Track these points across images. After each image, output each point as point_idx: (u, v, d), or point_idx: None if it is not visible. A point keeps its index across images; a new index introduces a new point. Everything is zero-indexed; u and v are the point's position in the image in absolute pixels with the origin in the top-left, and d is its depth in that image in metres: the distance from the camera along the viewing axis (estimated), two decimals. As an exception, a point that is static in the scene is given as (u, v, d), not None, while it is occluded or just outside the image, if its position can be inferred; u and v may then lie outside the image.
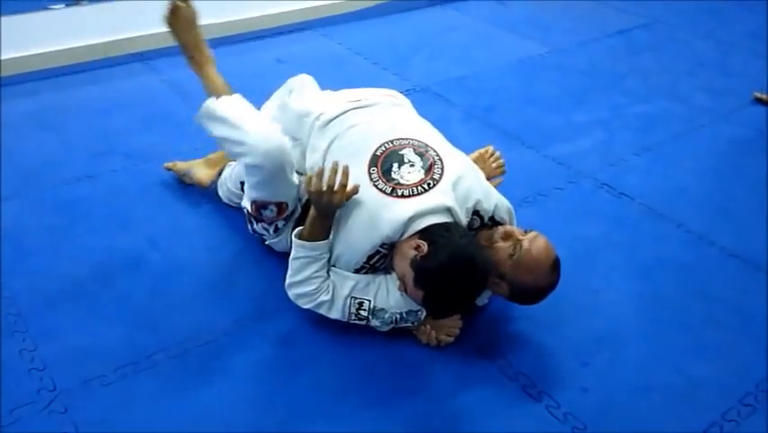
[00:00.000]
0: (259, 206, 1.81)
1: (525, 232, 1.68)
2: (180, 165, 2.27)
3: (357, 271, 1.68)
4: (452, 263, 1.53)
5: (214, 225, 2.12)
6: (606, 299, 1.94)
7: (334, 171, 1.60)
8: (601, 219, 2.28)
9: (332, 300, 1.68)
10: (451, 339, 1.73)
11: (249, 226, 1.94)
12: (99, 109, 2.75)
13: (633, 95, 3.13)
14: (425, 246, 1.55)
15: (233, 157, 1.90)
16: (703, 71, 3.42)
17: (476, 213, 1.70)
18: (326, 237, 1.67)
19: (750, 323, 1.89)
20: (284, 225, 1.86)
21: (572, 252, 2.10)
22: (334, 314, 1.70)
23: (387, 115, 1.88)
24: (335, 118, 1.83)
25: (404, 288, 1.61)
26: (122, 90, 2.92)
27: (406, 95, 2.09)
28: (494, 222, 1.74)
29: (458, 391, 1.65)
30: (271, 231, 1.87)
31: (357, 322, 1.70)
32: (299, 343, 1.74)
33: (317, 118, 1.85)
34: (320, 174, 1.61)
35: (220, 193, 2.16)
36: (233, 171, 2.07)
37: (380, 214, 1.61)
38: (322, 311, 1.70)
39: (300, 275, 1.68)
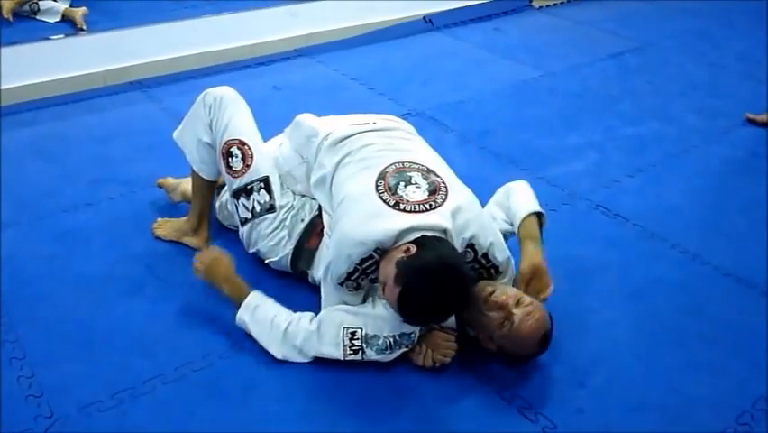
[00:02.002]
0: (225, 153, 1.93)
1: (519, 303, 1.66)
2: (171, 181, 2.33)
3: (349, 276, 1.66)
4: (436, 265, 1.55)
5: (211, 251, 2.14)
6: (601, 320, 1.95)
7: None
8: (596, 240, 2.30)
9: (319, 330, 1.71)
10: (447, 360, 1.73)
11: (239, 226, 1.99)
12: (98, 137, 2.78)
13: (625, 117, 3.17)
14: (413, 248, 1.58)
15: (192, 123, 2.05)
16: (694, 93, 3.46)
17: (471, 246, 1.71)
18: (247, 291, 1.81)
19: (745, 342, 1.89)
20: (261, 209, 1.92)
21: (567, 272, 2.11)
22: (328, 348, 1.70)
23: (403, 141, 1.92)
24: (347, 138, 1.87)
25: (383, 289, 1.62)
26: (121, 118, 2.96)
27: (402, 119, 2.12)
28: (487, 260, 1.74)
29: (454, 413, 1.65)
30: (249, 210, 1.93)
31: (353, 357, 1.70)
32: (295, 367, 1.74)
33: (326, 138, 1.90)
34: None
35: (219, 217, 2.19)
36: None
37: (378, 219, 1.63)
38: (313, 345, 1.72)
39: (266, 330, 1.76)
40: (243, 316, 1.78)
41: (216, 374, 1.71)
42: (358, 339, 1.68)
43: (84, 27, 3.65)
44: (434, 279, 1.55)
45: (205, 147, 2.01)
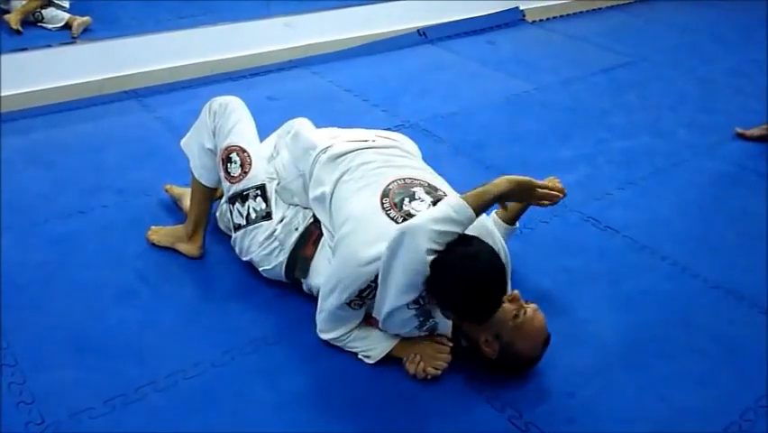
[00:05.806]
0: (224, 159, 1.98)
1: (527, 302, 1.72)
2: (176, 190, 2.37)
3: (360, 294, 1.67)
4: (465, 253, 1.59)
5: (204, 259, 2.14)
6: (591, 330, 1.96)
7: None
8: (586, 252, 2.32)
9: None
10: (438, 372, 1.74)
11: (232, 232, 2.00)
12: (93, 145, 2.79)
13: (616, 130, 3.20)
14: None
15: (200, 131, 2.08)
16: (685, 107, 3.50)
17: None
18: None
19: (733, 353, 1.91)
20: (256, 216, 1.93)
21: (558, 283, 2.14)
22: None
23: (402, 158, 1.94)
24: (345, 154, 1.88)
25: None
26: (115, 127, 2.97)
27: (395, 131, 2.14)
28: None
29: (445, 423, 1.66)
30: (244, 216, 1.94)
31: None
32: (286, 375, 1.75)
33: (323, 151, 1.90)
34: None
35: (220, 224, 2.20)
36: None
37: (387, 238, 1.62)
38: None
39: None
40: None
41: (208, 382, 1.71)
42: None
43: (77, 34, 3.65)
44: (470, 262, 1.58)
45: (207, 153, 2.04)
